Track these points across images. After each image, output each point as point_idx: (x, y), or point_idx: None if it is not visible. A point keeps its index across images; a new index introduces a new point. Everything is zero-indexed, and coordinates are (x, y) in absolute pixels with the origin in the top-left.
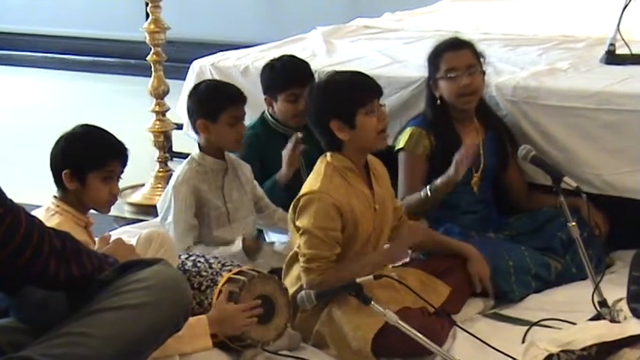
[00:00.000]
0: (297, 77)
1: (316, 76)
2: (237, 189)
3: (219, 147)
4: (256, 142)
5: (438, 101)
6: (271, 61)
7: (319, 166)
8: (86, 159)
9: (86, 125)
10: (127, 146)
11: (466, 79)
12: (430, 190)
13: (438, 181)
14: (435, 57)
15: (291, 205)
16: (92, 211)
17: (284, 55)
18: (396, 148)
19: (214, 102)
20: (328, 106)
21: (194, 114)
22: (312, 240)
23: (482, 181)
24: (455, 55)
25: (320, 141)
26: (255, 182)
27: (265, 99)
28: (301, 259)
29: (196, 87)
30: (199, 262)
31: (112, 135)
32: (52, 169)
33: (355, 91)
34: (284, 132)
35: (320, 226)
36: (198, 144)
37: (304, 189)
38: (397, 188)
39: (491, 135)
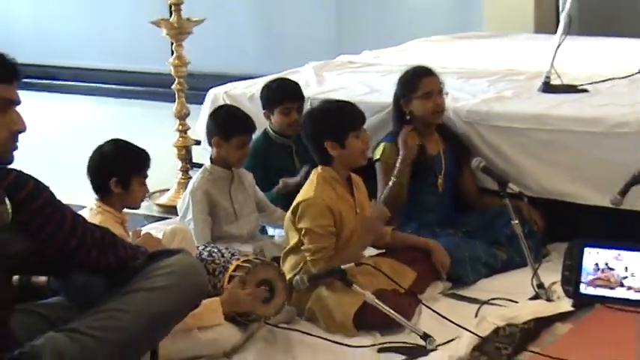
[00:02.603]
0: (289, 94)
1: (309, 102)
2: (242, 192)
3: (226, 161)
4: (260, 152)
5: (408, 117)
6: (268, 82)
7: (312, 178)
8: (132, 167)
9: (115, 140)
10: (154, 157)
11: (440, 99)
12: (395, 175)
13: (397, 163)
14: (412, 81)
15: (291, 211)
16: (126, 210)
17: (278, 78)
18: (374, 159)
19: (230, 126)
20: (325, 128)
21: (212, 131)
22: (314, 237)
23: (445, 184)
24: (431, 80)
25: (314, 156)
26: (257, 187)
27: (264, 113)
28: (307, 254)
29: (219, 109)
30: (213, 252)
31: (135, 145)
32: (93, 179)
33: (349, 117)
34: (282, 142)
35: (319, 225)
36: (210, 157)
37: (301, 197)
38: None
39: (449, 146)
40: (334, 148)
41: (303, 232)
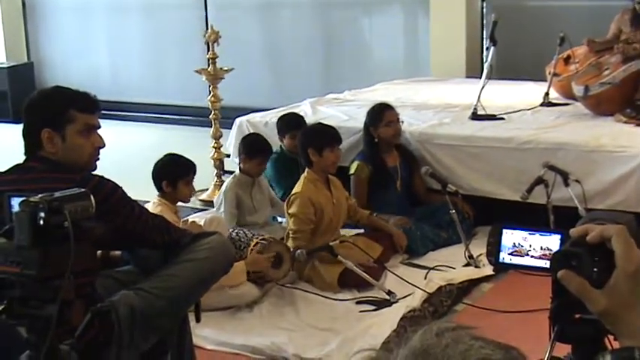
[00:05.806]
0: (295, 124)
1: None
2: (260, 193)
3: (249, 172)
4: (275, 163)
5: (376, 139)
6: (282, 115)
7: (301, 179)
8: (177, 172)
9: (167, 154)
10: (196, 165)
11: (399, 126)
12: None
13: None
14: (378, 113)
15: (285, 202)
16: (180, 203)
17: (289, 112)
18: (350, 173)
19: (253, 150)
20: (310, 141)
21: (241, 152)
22: (297, 220)
23: (402, 186)
24: (392, 113)
25: (302, 159)
26: (270, 189)
27: (278, 137)
28: (290, 232)
29: (247, 136)
30: (240, 233)
31: (186, 157)
32: (153, 181)
33: (329, 136)
34: (291, 157)
35: (301, 212)
36: (239, 168)
37: (293, 192)
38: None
39: (404, 159)
40: (314, 155)
41: (290, 216)
